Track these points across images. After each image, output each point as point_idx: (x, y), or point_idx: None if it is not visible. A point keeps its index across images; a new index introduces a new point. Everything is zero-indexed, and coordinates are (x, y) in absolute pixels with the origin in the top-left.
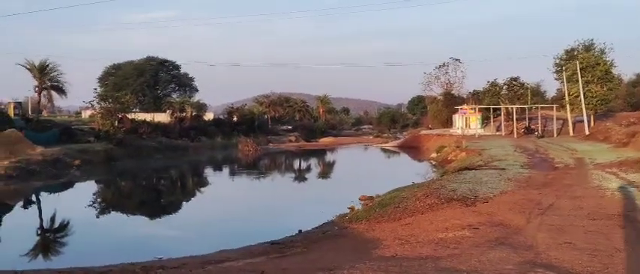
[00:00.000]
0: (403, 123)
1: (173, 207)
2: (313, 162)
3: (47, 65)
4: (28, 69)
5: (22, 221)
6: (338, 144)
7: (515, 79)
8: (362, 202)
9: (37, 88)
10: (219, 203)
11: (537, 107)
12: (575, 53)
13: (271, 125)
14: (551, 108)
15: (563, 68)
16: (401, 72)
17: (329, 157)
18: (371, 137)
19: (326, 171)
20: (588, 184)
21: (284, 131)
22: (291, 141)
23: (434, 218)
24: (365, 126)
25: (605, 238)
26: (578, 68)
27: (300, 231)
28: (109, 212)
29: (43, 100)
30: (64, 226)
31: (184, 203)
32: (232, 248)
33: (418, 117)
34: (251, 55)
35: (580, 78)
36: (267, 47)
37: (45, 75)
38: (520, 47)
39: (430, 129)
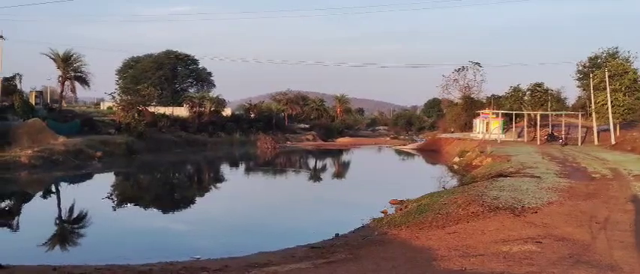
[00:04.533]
0: (419, 126)
1: (199, 204)
2: (334, 162)
3: (71, 55)
4: (52, 58)
5: (54, 214)
6: (356, 145)
7: (539, 85)
8: (393, 206)
9: (60, 78)
10: (245, 201)
11: (561, 114)
12: (599, 61)
13: (288, 123)
14: (573, 116)
15: (591, 76)
16: (416, 74)
17: (348, 157)
18: (388, 138)
19: (348, 173)
20: (636, 197)
21: (301, 129)
22: (308, 139)
23: (484, 228)
24: (380, 127)
25: None
26: (606, 76)
27: (337, 235)
28: (137, 207)
29: (66, 90)
30: (96, 220)
31: (209, 200)
32: (270, 250)
33: (434, 120)
34: (267, 52)
35: (608, 87)
36: (283, 45)
37: (69, 66)
38: (539, 54)
39: (452, 132)
